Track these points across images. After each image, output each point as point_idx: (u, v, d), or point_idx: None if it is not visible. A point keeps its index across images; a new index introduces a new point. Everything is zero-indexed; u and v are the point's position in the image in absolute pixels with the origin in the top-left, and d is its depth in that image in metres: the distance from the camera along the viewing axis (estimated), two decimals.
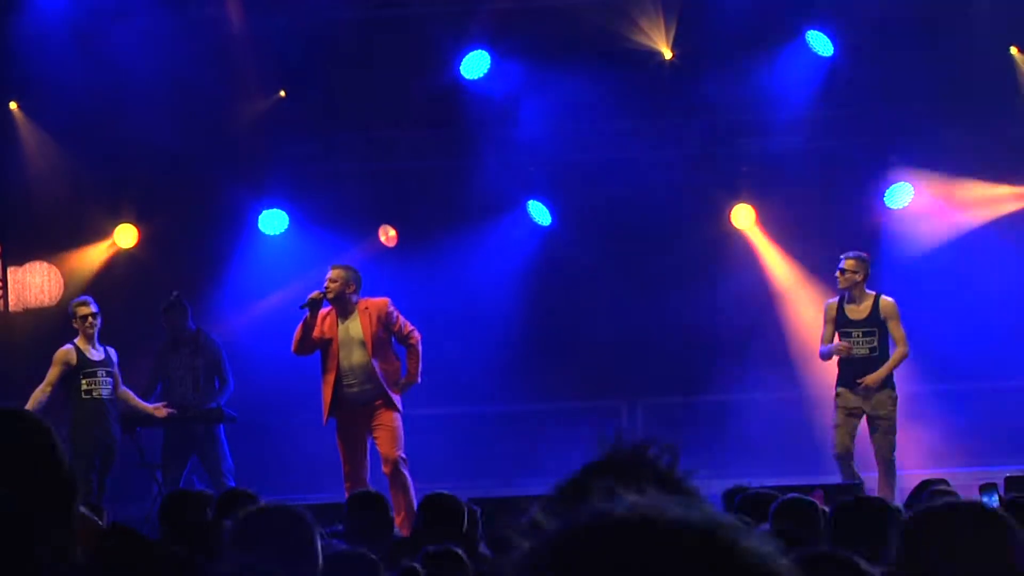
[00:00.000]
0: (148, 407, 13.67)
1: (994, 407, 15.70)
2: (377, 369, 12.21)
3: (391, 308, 12.30)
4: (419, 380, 12.29)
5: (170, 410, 13.67)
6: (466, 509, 7.50)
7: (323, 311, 12.42)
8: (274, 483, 13.00)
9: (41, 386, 13.20)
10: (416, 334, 12.32)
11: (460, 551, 5.87)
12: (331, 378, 12.24)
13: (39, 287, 16.34)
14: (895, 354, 13.01)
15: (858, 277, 13.02)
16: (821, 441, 15.37)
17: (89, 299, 13.51)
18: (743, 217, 16.67)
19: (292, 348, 12.50)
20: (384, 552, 6.33)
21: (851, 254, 13.15)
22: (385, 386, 12.23)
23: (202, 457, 14.17)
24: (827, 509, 7.64)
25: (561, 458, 14.89)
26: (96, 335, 13.36)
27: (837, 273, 13.12)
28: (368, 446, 12.39)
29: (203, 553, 5.70)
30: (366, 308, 12.26)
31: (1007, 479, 10.90)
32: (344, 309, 12.25)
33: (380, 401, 12.22)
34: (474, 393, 15.99)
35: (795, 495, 7.34)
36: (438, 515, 7.32)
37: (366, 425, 12.27)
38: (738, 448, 15.02)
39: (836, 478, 12.85)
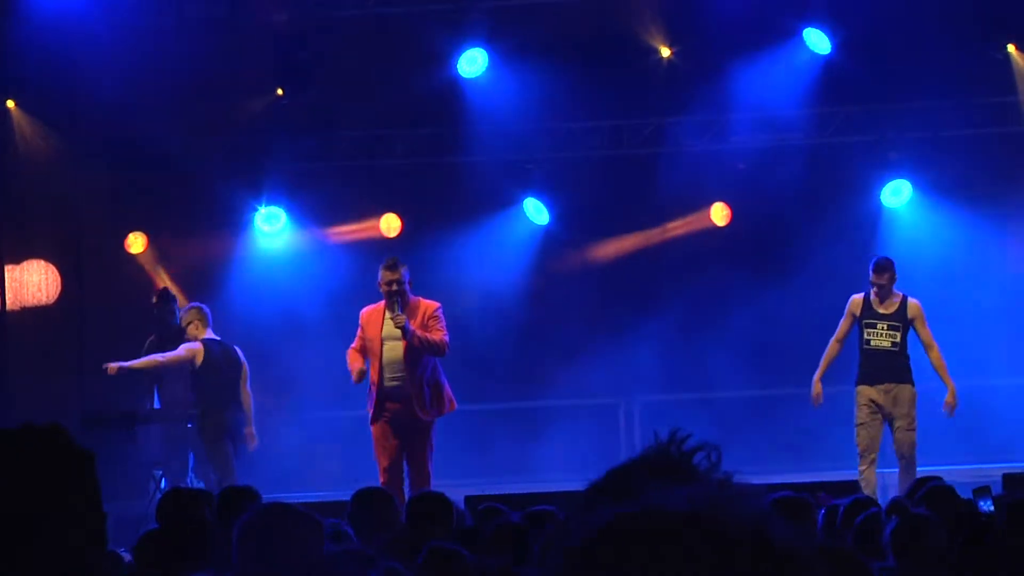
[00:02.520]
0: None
1: (990, 405, 15.71)
2: (411, 364, 12.23)
3: (439, 312, 12.33)
4: (410, 333, 12.15)
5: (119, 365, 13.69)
6: (455, 507, 7.50)
7: (366, 311, 12.46)
8: (274, 481, 13.01)
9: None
10: (446, 337, 12.30)
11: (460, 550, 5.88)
12: (375, 375, 12.30)
13: (36, 286, 16.34)
14: (937, 356, 13.01)
15: (892, 283, 12.99)
16: (819, 439, 15.40)
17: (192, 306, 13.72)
18: (720, 216, 16.74)
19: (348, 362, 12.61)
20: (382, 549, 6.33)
21: (882, 265, 13.01)
22: (419, 384, 12.26)
23: (199, 455, 14.18)
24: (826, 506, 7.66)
25: (558, 456, 14.90)
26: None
27: (874, 285, 12.95)
28: (406, 443, 12.39)
29: (200, 550, 5.71)
30: (417, 306, 12.32)
31: (1004, 476, 10.91)
32: (401, 306, 12.27)
33: (420, 404, 12.25)
34: (471, 391, 15.98)
35: (790, 492, 7.36)
36: (427, 514, 7.31)
37: (403, 424, 12.28)
38: (735, 446, 15.00)
39: (834, 476, 12.84)
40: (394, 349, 12.27)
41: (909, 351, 12.98)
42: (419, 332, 12.16)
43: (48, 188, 16.23)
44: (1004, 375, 15.90)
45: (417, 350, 12.19)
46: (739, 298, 16.56)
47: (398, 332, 12.22)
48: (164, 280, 16.46)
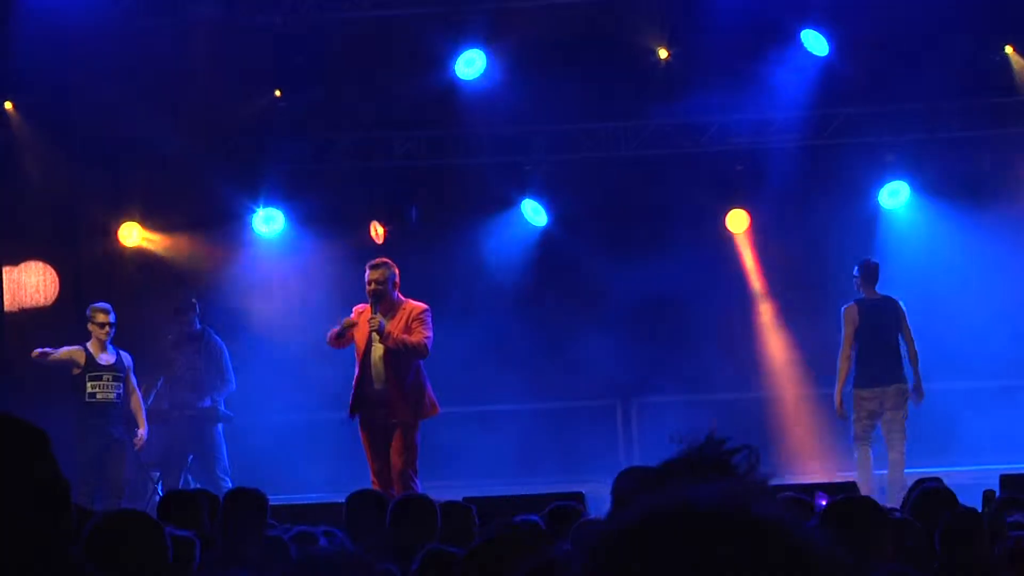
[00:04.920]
0: (141, 424, 13.67)
1: (988, 405, 15.73)
2: (392, 368, 12.19)
3: (424, 315, 12.28)
4: (385, 336, 12.10)
5: (141, 443, 13.69)
6: (439, 510, 7.48)
7: (359, 308, 12.42)
8: (272, 482, 12.99)
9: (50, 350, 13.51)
10: (426, 340, 12.23)
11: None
12: (359, 375, 12.28)
13: (34, 287, 16.34)
14: (912, 353, 13.32)
15: (858, 282, 13.47)
16: (813, 440, 15.41)
17: (108, 306, 13.65)
18: (737, 222, 16.72)
19: (326, 341, 12.48)
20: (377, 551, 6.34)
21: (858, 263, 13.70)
22: (400, 387, 12.23)
23: (198, 457, 14.20)
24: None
25: (556, 457, 14.88)
26: (109, 341, 13.55)
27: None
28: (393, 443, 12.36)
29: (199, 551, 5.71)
30: (403, 307, 12.28)
31: (1002, 477, 10.92)
32: (385, 307, 12.23)
33: (399, 406, 12.22)
34: (469, 393, 15.98)
35: (792, 493, 7.38)
36: (410, 517, 7.30)
37: (388, 426, 12.27)
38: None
39: (825, 478, 12.87)
40: (378, 351, 12.26)
41: (903, 350, 13.21)
42: (396, 334, 12.09)
43: (46, 189, 16.23)
44: (1001, 377, 15.91)
45: (398, 352, 12.16)
46: (737, 299, 16.57)
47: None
48: (170, 247, 16.56)
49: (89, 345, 13.53)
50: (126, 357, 13.70)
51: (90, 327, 13.54)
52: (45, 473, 2.93)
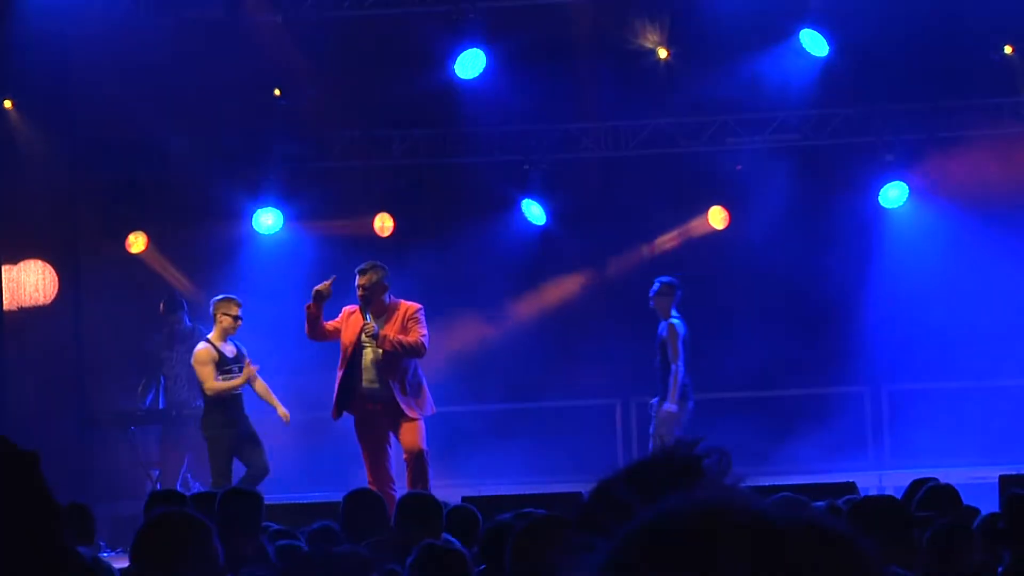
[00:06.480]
0: (278, 406, 13.31)
1: (987, 406, 15.73)
2: (390, 369, 12.17)
3: (418, 314, 12.24)
4: (381, 339, 12.06)
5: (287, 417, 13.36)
6: (443, 509, 7.48)
7: (349, 309, 12.38)
8: (269, 482, 13.00)
9: (205, 389, 12.95)
10: (423, 339, 12.19)
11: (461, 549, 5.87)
12: (340, 375, 12.24)
13: (34, 286, 16.33)
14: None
15: (667, 300, 13.92)
16: (806, 441, 15.43)
17: (238, 300, 13.28)
18: (718, 220, 16.76)
19: (306, 332, 12.41)
20: (375, 550, 6.34)
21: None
22: (400, 386, 12.22)
23: (196, 456, 14.19)
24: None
25: (554, 457, 14.92)
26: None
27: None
28: (391, 442, 12.32)
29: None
30: (396, 309, 12.23)
31: (1001, 478, 10.92)
32: (377, 310, 12.19)
33: (398, 404, 12.20)
34: (467, 392, 15.98)
35: (788, 493, 7.36)
36: (415, 514, 7.30)
37: (387, 424, 12.25)
38: (731, 447, 15.03)
39: (823, 478, 12.87)
40: (370, 354, 12.20)
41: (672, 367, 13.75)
42: (392, 336, 12.06)
43: (45, 188, 16.22)
44: (999, 376, 15.91)
45: (395, 353, 12.13)
46: (735, 299, 16.57)
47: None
48: (173, 276, 16.49)
49: (212, 339, 13.07)
50: (243, 347, 13.39)
51: (221, 318, 13.01)
52: (36, 484, 2.96)
